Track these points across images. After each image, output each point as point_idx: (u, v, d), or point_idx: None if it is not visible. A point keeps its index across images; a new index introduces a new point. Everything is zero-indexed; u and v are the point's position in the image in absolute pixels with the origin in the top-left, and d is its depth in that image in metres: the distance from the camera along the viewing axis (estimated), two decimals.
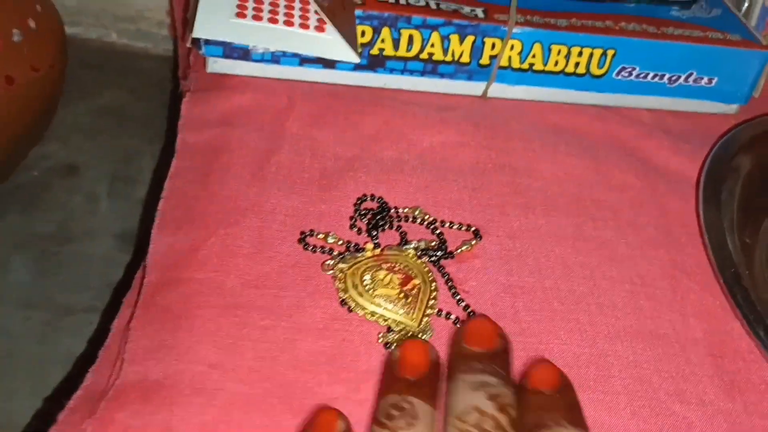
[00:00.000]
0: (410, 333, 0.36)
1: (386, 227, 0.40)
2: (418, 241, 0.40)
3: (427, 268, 0.38)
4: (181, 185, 0.41)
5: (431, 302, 0.37)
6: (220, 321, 0.34)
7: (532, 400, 0.28)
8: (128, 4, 0.66)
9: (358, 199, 0.41)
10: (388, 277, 0.38)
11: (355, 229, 0.40)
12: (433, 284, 0.38)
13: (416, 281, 0.38)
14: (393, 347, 0.35)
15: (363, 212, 0.41)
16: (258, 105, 0.45)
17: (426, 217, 0.41)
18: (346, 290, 0.37)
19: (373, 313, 0.36)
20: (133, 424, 0.30)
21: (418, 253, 0.39)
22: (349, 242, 0.39)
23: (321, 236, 0.39)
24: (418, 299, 0.37)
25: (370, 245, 0.39)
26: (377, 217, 0.41)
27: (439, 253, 0.39)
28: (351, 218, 0.41)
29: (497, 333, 0.29)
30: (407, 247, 0.39)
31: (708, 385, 0.38)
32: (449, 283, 0.39)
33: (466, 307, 0.38)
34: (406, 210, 0.42)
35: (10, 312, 0.48)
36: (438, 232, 0.41)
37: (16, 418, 0.43)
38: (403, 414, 0.26)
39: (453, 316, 0.37)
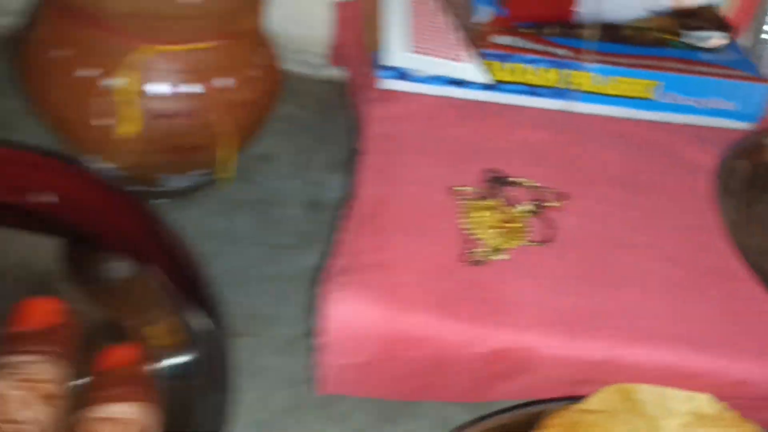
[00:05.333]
0: (494, 249, 0.57)
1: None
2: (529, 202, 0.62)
3: (526, 224, 0.59)
4: (372, 158, 0.63)
5: (515, 241, 0.58)
6: (410, 235, 0.56)
7: (94, 381, 0.29)
8: (297, 40, 0.87)
9: (486, 170, 0.63)
10: (494, 214, 0.59)
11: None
12: (524, 234, 0.59)
13: (513, 225, 0.59)
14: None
15: (490, 179, 0.63)
16: (415, 110, 0.68)
17: (531, 184, 0.63)
18: (467, 211, 0.59)
19: (470, 229, 0.57)
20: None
21: (526, 213, 0.61)
22: (484, 191, 0.62)
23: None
24: (505, 234, 0.58)
25: (496, 201, 0.61)
26: (499, 182, 0.62)
27: (542, 203, 0.61)
28: (484, 182, 0.62)
29: (53, 310, 0.29)
30: (520, 206, 0.61)
31: None
32: (547, 223, 0.60)
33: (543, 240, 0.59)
34: (518, 179, 0.63)
35: (241, 247, 0.70)
36: (539, 194, 0.63)
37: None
38: None
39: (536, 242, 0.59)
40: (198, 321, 0.58)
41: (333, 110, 0.88)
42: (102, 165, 0.65)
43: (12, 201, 0.64)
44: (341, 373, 0.55)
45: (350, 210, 0.60)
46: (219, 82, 0.61)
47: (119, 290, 0.66)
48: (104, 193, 0.65)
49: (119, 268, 0.67)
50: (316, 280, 0.58)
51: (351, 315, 0.51)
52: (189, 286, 0.60)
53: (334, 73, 0.90)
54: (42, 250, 0.66)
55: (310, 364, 0.63)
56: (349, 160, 0.67)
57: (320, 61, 0.90)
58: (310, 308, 0.67)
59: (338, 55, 0.86)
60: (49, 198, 0.63)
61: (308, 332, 0.65)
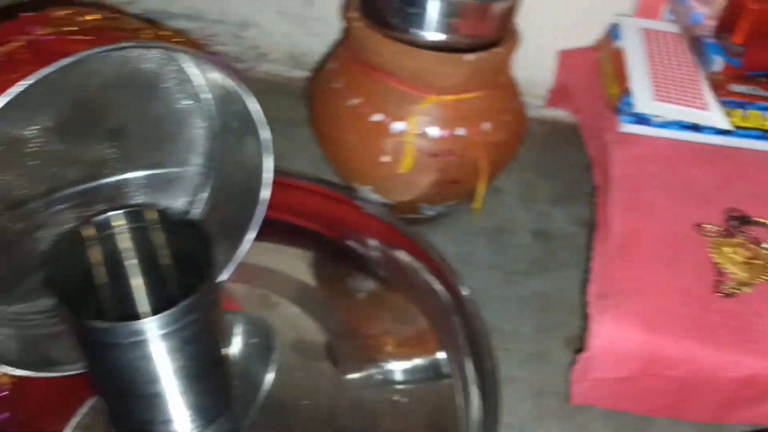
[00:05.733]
0: (741, 283, 0.61)
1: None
2: None
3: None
4: (617, 195, 0.70)
5: (760, 277, 0.62)
6: (662, 266, 0.63)
7: None
8: (520, 83, 0.95)
9: (729, 209, 0.68)
10: (741, 250, 0.64)
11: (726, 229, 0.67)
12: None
13: (757, 262, 0.64)
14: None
15: (733, 218, 0.67)
16: (655, 152, 0.74)
17: None
18: (716, 247, 0.64)
19: (720, 263, 0.63)
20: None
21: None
22: (728, 229, 0.67)
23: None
24: (751, 270, 0.63)
25: (740, 238, 0.66)
26: (741, 221, 0.67)
27: None
28: (725, 220, 0.67)
29: None
30: (765, 245, 0.66)
31: None
32: None
33: None
34: (759, 219, 0.68)
35: (479, 270, 0.79)
36: None
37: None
38: None
39: None
40: (462, 327, 0.67)
41: (552, 147, 0.95)
42: (373, 195, 0.76)
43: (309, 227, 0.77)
44: (597, 387, 0.62)
45: (601, 241, 0.67)
46: (480, 126, 0.71)
47: (365, 303, 0.77)
48: (374, 220, 0.76)
49: (368, 283, 0.77)
50: (549, 304, 0.65)
51: (614, 335, 0.58)
52: (452, 297, 0.69)
53: (551, 113, 0.98)
54: (301, 262, 0.79)
55: (549, 378, 0.70)
56: (591, 195, 0.75)
57: (539, 103, 0.98)
58: (545, 329, 0.75)
59: (558, 97, 0.94)
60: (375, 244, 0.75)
61: (545, 350, 0.73)
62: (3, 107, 0.44)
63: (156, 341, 0.50)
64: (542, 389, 0.70)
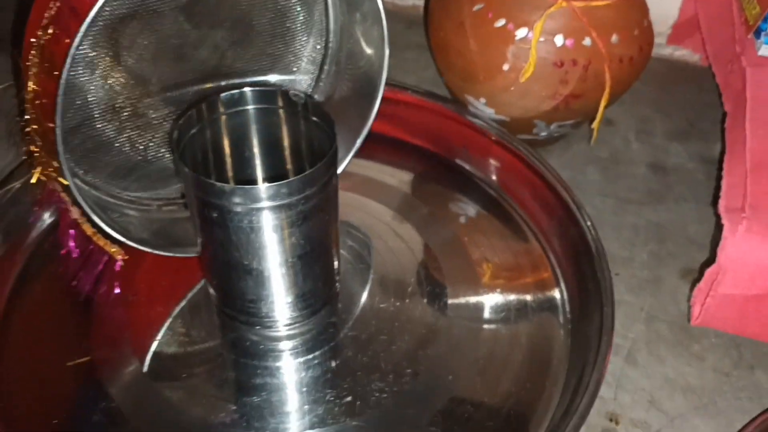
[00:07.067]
0: None
1: None
2: None
3: None
4: (756, 115, 0.66)
5: None
6: None
7: None
8: None
9: None
10: None
11: None
12: None
13: None
14: None
15: None
16: None
17: None
18: None
19: None
20: None
21: None
22: None
23: None
24: None
25: None
26: None
27: None
28: None
29: None
30: None
31: None
32: None
33: None
34: None
35: (592, 197, 0.76)
36: None
37: None
38: None
39: None
40: (575, 245, 0.65)
41: (669, 85, 0.91)
42: (486, 108, 0.74)
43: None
44: (723, 305, 0.58)
45: (732, 161, 0.64)
46: (608, 38, 0.68)
47: (471, 223, 0.74)
48: (484, 136, 0.74)
49: (476, 202, 0.75)
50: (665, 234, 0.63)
51: (746, 247, 0.55)
52: (566, 215, 0.67)
53: (669, 52, 0.94)
54: (406, 177, 0.77)
55: (662, 305, 0.67)
56: (711, 133, 0.71)
57: (659, 41, 0.94)
58: (659, 258, 0.71)
59: (681, 34, 0.90)
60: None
61: (658, 277, 0.70)
62: None
63: (271, 211, 0.50)
64: (653, 315, 0.67)
